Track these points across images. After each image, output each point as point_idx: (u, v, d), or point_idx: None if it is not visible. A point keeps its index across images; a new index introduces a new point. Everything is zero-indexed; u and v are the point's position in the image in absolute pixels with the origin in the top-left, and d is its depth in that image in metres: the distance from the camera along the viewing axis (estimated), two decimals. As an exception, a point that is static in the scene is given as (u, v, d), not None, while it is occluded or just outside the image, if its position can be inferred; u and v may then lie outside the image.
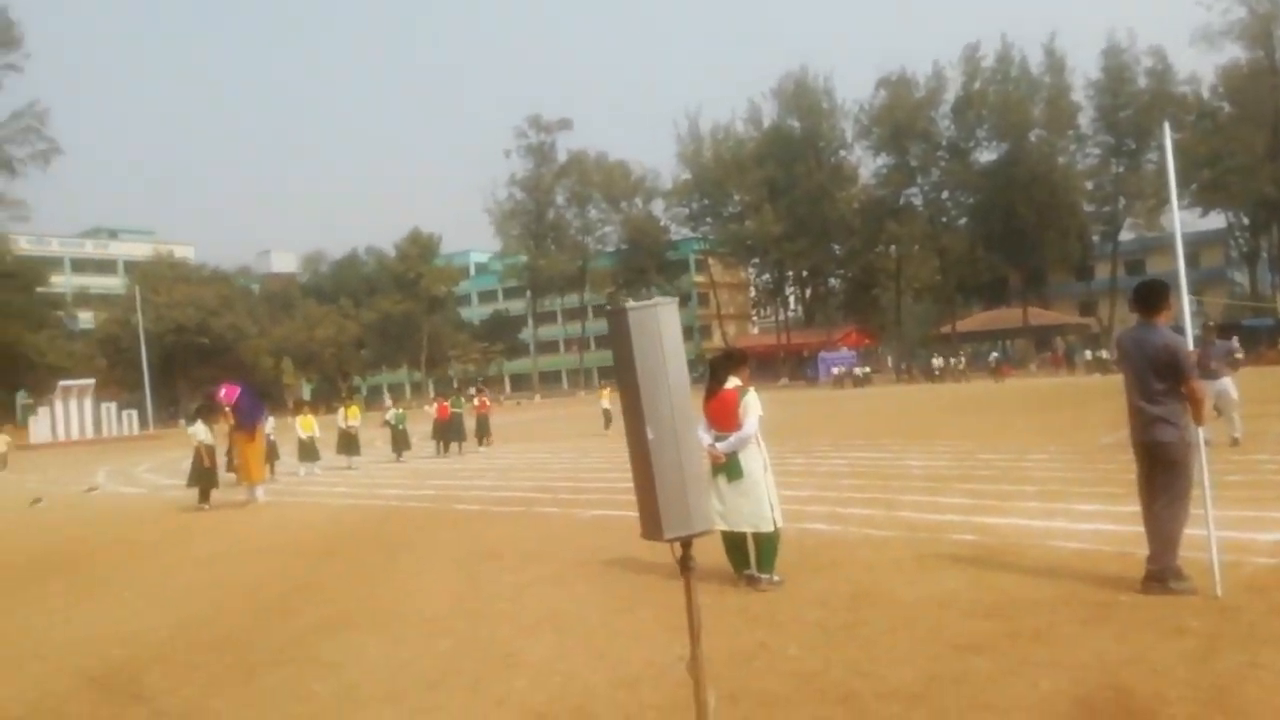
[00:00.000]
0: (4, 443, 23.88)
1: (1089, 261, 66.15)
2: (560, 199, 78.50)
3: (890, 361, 62.60)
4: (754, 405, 6.13)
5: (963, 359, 55.37)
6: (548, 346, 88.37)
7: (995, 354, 52.89)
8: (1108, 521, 7.60)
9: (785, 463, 14.03)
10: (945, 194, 66.58)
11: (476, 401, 23.31)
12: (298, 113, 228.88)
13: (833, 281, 76.76)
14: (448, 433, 21.06)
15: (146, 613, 6.68)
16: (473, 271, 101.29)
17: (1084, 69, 73.61)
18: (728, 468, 6.01)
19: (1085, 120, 61.31)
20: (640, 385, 2.47)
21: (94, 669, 5.28)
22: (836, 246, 70.35)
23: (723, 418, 6.12)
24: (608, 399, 24.40)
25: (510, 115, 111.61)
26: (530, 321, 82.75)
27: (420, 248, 76.59)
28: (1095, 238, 64.70)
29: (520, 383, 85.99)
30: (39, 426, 45.39)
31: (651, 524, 2.54)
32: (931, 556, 6.70)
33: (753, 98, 71.98)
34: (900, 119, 61.24)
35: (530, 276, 77.02)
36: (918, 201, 66.81)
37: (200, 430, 13.87)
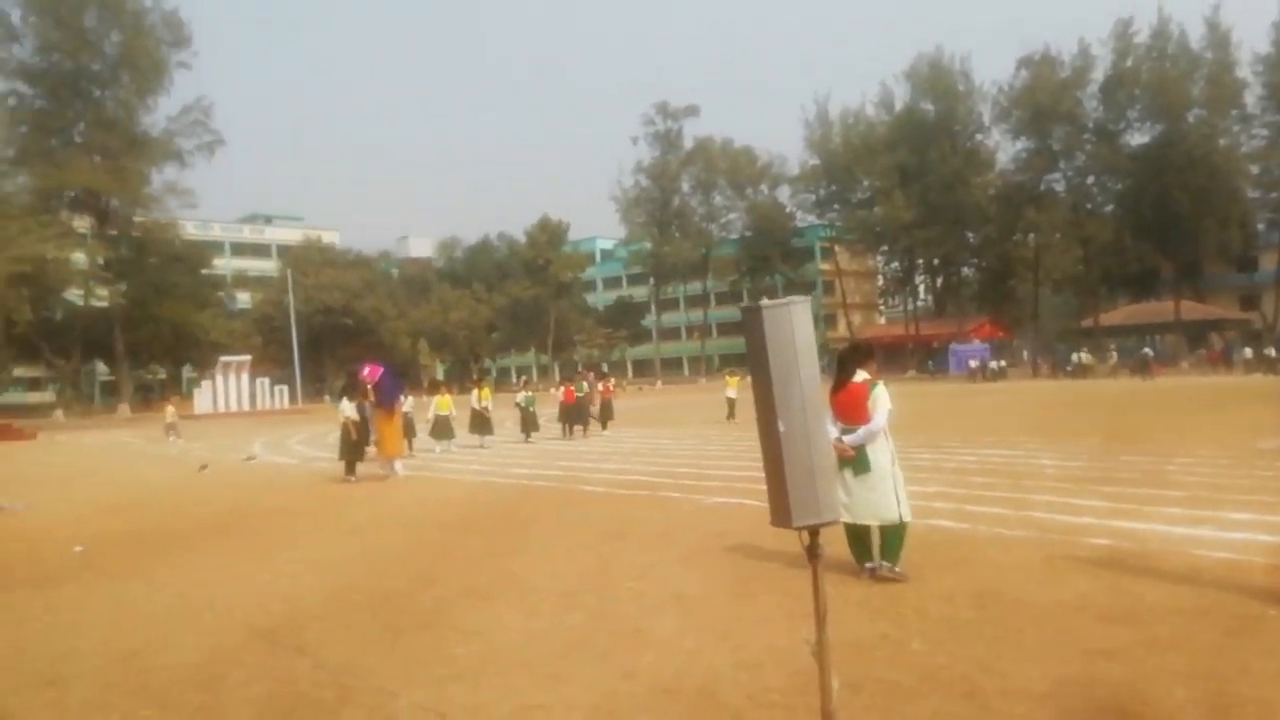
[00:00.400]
0: (171, 413, 25.80)
1: (1252, 252, 61.38)
2: (685, 186, 78.69)
3: (1026, 356, 59.86)
4: (883, 399, 6.14)
5: (1114, 353, 52.43)
6: (670, 333, 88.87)
7: (1146, 349, 49.68)
8: (1261, 531, 7.21)
9: (911, 458, 13.76)
10: (1090, 179, 62.99)
11: (601, 386, 23.91)
12: (437, 105, 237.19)
13: (966, 271, 74.01)
14: (572, 415, 21.72)
15: (304, 575, 7.27)
16: (598, 258, 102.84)
17: (1251, 43, 68.29)
18: (855, 461, 6.04)
19: (1252, 99, 56.82)
20: (773, 380, 2.61)
21: (260, 623, 5.82)
22: (970, 234, 67.78)
23: (850, 410, 6.15)
24: (734, 388, 24.27)
25: (639, 102, 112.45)
26: (653, 308, 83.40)
27: (549, 234, 78.35)
28: (1260, 226, 59.95)
29: (642, 368, 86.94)
30: (202, 398, 49.14)
31: (781, 512, 2.68)
32: (1064, 559, 6.54)
33: (884, 80, 69.97)
34: (1043, 100, 58.24)
35: (654, 263, 77.63)
36: (1060, 187, 63.46)
37: (347, 407, 14.78)
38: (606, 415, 22.78)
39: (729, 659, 4.65)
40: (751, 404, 2.86)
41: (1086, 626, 4.94)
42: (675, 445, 18.41)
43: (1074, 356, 52.17)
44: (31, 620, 6.15)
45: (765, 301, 2.71)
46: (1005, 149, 65.85)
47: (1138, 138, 60.33)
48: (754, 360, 2.68)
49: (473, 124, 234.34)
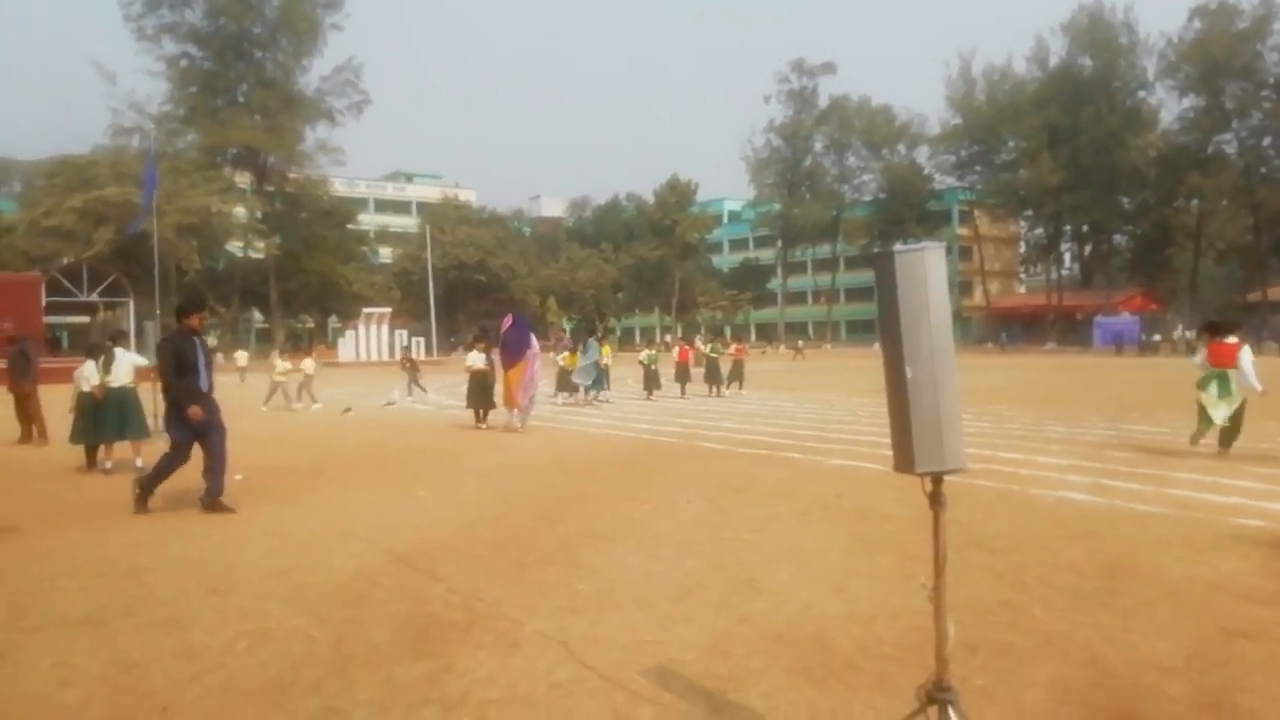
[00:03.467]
0: (312, 365, 25.76)
1: None
2: (818, 145, 77.00)
3: (1179, 331, 55.95)
4: (1247, 355, 10.12)
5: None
6: (796, 297, 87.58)
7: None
8: None
9: (1044, 430, 13.27)
10: (1267, 140, 57.93)
11: (733, 349, 24.20)
12: (574, 67, 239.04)
13: (1117, 239, 69.63)
14: (686, 374, 22.13)
15: (438, 510, 7.71)
16: (725, 219, 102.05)
17: None
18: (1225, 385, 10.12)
19: None
20: (902, 325, 2.61)
21: (398, 550, 6.23)
22: (1125, 200, 63.67)
23: (1223, 358, 10.22)
24: None
25: (775, 60, 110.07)
26: (779, 271, 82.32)
27: (677, 195, 78.22)
28: None
29: (765, 331, 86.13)
30: (345, 347, 51.96)
31: (904, 458, 2.70)
32: (1207, 538, 6.22)
33: (1039, 34, 65.74)
34: (1217, 54, 53.73)
35: (782, 225, 76.49)
36: (1231, 149, 58.68)
37: (474, 357, 15.31)
38: (738, 377, 22.92)
39: (841, 611, 4.69)
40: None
41: (1226, 605, 4.72)
42: (796, 408, 18.29)
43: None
44: (199, 538, 6.78)
45: (899, 246, 2.71)
46: (1170, 107, 61.43)
47: (1325, 94, 54.93)
48: (883, 305, 2.69)
49: (607, 85, 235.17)
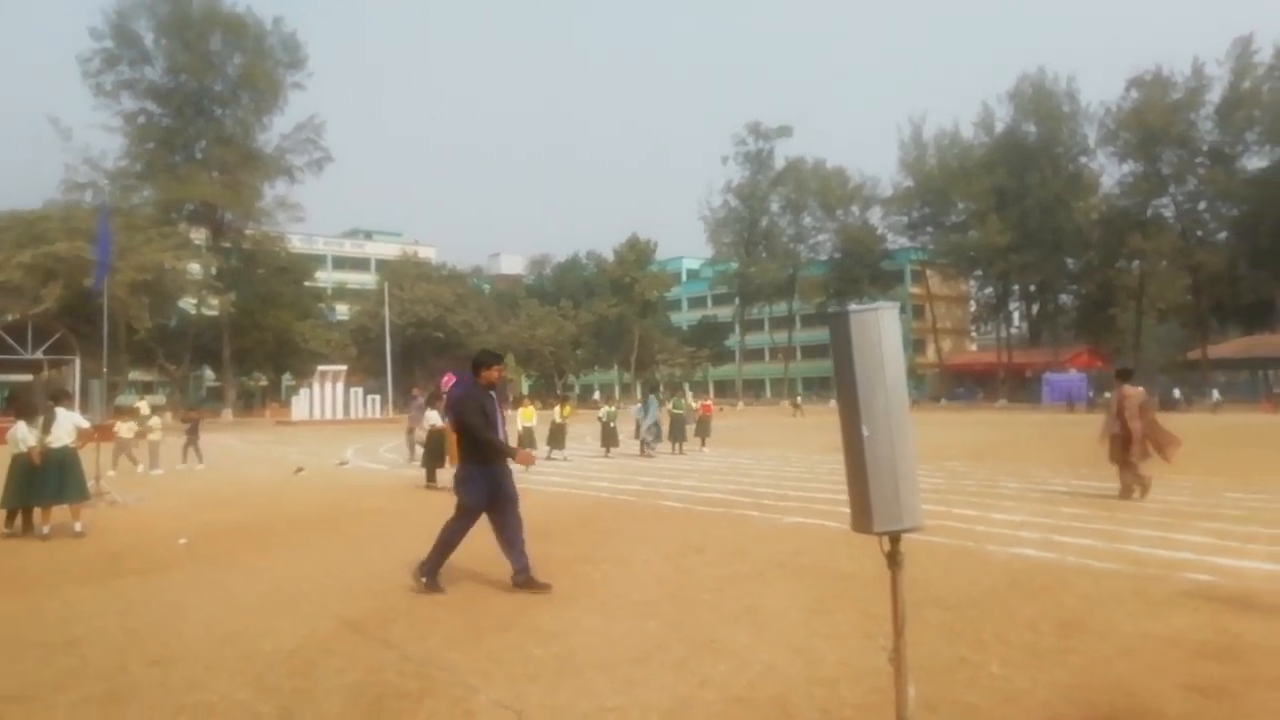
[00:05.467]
0: (146, 426, 19.42)
1: (1382, 284, 57.62)
2: (774, 206, 78.49)
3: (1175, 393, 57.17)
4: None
5: (1215, 391, 49.87)
6: (754, 354, 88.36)
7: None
8: (1378, 575, 6.81)
9: (998, 486, 13.44)
10: (1202, 205, 60.43)
11: (699, 405, 24.22)
12: (532, 125, 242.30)
13: (1064, 298, 71.60)
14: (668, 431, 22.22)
15: (392, 572, 7.52)
16: (684, 277, 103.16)
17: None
18: None
19: (1384, 122, 53.60)
20: (858, 384, 2.64)
21: (351, 615, 6.05)
22: (1070, 260, 65.66)
23: None
24: None
25: (731, 123, 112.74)
26: (738, 328, 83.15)
27: (637, 253, 78.95)
28: (1391, 257, 56.26)
29: (724, 389, 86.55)
30: (299, 405, 51.07)
31: (862, 517, 2.70)
32: (1159, 593, 6.30)
33: (985, 101, 68.35)
34: (1153, 122, 56.17)
35: (740, 283, 77.47)
36: (1168, 213, 61.02)
37: (432, 415, 15.24)
38: (704, 433, 22.97)
39: (803, 673, 4.64)
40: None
41: (1182, 661, 4.76)
42: (755, 465, 18.31)
43: (1174, 392, 50.09)
44: (139, 604, 6.53)
45: (853, 306, 2.76)
46: (1110, 172, 63.90)
47: (1255, 161, 57.66)
48: (839, 364, 2.72)
49: (570, 142, 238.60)
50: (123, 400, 33.38)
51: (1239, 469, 15.77)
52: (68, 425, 10.13)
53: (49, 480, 9.75)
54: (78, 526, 9.72)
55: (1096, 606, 5.96)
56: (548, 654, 5.07)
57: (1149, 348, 66.37)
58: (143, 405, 22.50)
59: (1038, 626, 5.46)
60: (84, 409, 14.71)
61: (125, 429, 18.38)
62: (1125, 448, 11.46)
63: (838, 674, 4.61)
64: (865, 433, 2.65)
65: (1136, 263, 61.39)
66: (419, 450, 19.00)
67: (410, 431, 20.71)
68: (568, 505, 12.22)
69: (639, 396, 29.10)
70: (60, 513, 9.98)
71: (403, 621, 5.86)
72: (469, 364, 7.34)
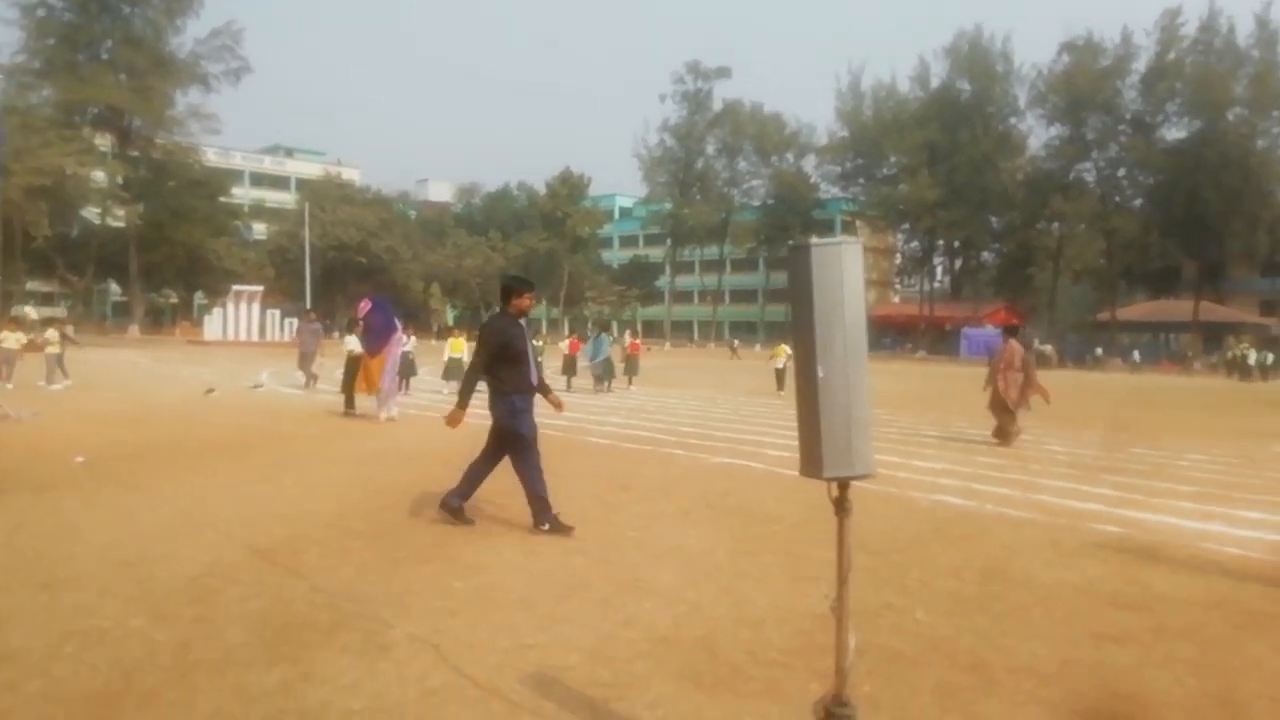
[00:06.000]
0: (16, 340, 17.94)
1: (1278, 257, 60.55)
2: (711, 149, 77.96)
3: (1035, 344, 59.28)
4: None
5: (1135, 351, 52.17)
6: (683, 296, 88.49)
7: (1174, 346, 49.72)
8: (1275, 531, 7.11)
9: (919, 434, 13.71)
10: (1122, 171, 62.14)
11: (629, 342, 24.03)
12: (466, 44, 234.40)
13: (985, 255, 73.38)
14: (573, 368, 21.95)
15: (305, 500, 7.23)
16: (616, 215, 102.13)
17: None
18: None
19: (1296, 101, 55.63)
20: (815, 322, 2.48)
21: (259, 543, 5.77)
22: (994, 219, 67.05)
23: None
24: (783, 358, 22.04)
25: (670, 60, 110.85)
26: (668, 269, 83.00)
27: (570, 188, 77.64)
28: (1289, 231, 59.11)
29: (652, 330, 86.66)
30: (212, 325, 49.20)
31: (812, 462, 2.57)
32: (1072, 543, 6.45)
33: (922, 55, 68.73)
34: (1081, 87, 57.23)
35: (673, 224, 77.09)
36: (1090, 177, 62.65)
37: (352, 341, 14.72)
38: (632, 371, 22.88)
39: (729, 614, 4.58)
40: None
41: (1094, 610, 4.85)
42: (680, 405, 18.34)
43: (1097, 350, 52.37)
44: (30, 524, 6.12)
45: (815, 240, 2.58)
46: (1038, 134, 65.02)
47: (1174, 133, 59.46)
48: (797, 301, 2.54)
49: (501, 70, 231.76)
50: (16, 311, 31.56)
51: (1147, 427, 16.45)
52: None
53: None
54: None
55: (1014, 555, 6.07)
56: (467, 588, 4.90)
57: (1062, 307, 68.69)
58: (29, 311, 21.13)
59: (960, 574, 5.51)
60: (-27, 318, 13.79)
61: (13, 339, 17.33)
62: (1005, 397, 12.31)
63: (765, 615, 4.56)
64: (820, 373, 2.50)
65: (1056, 225, 63.09)
66: (319, 376, 18.44)
67: (303, 357, 19.93)
68: (491, 438, 11.99)
69: (566, 333, 28.83)
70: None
71: (315, 551, 5.61)
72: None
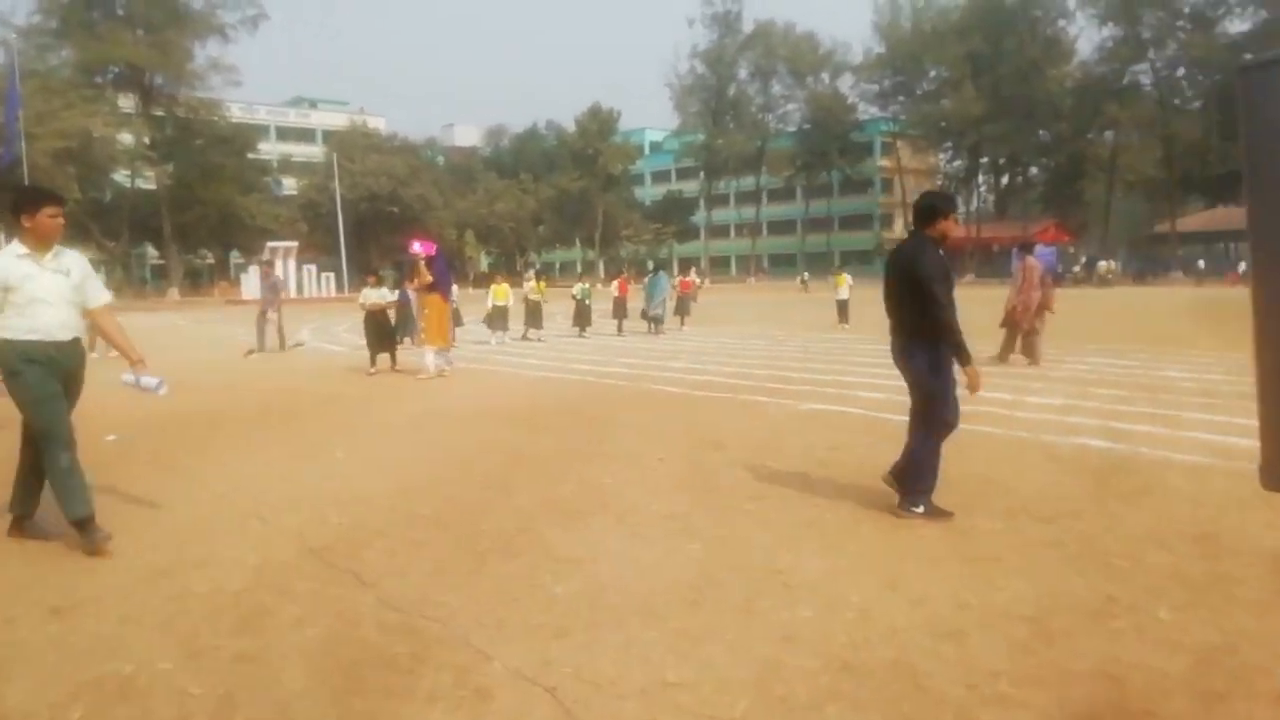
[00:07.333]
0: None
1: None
2: (743, 73, 75.21)
3: (1104, 264, 56.67)
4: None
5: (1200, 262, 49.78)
6: (719, 230, 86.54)
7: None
8: None
9: (1010, 365, 12.49)
10: (1181, 71, 58.84)
11: (679, 280, 23.07)
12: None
13: (1033, 170, 70.35)
14: (624, 310, 20.98)
15: (361, 477, 6.35)
16: (647, 150, 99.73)
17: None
18: None
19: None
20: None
21: (314, 536, 4.89)
22: (1042, 132, 63.98)
23: None
24: (844, 287, 20.84)
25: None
26: (703, 203, 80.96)
27: (599, 124, 75.60)
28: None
29: (688, 266, 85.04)
30: (249, 284, 48.75)
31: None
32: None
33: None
34: (1137, -19, 53.82)
35: (706, 156, 74.83)
36: (1146, 80, 59.37)
37: (369, 293, 13.57)
38: (683, 311, 21.91)
39: (913, 619, 3.57)
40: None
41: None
42: (741, 345, 17.26)
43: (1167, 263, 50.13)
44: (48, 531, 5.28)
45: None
46: (1089, 37, 61.95)
47: (1237, 25, 55.80)
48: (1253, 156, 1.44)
49: (522, 5, 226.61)
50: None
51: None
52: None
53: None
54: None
55: (1220, 514, 4.98)
56: (570, 592, 3.96)
57: (1115, 222, 65.88)
58: None
59: (1168, 544, 4.44)
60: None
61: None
62: (1022, 318, 12.27)
63: (958, 620, 3.55)
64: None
65: (1109, 134, 60.08)
66: (271, 336, 16.73)
67: (262, 314, 17.96)
68: (549, 391, 11.07)
69: (602, 275, 27.84)
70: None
71: (379, 546, 4.70)
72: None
